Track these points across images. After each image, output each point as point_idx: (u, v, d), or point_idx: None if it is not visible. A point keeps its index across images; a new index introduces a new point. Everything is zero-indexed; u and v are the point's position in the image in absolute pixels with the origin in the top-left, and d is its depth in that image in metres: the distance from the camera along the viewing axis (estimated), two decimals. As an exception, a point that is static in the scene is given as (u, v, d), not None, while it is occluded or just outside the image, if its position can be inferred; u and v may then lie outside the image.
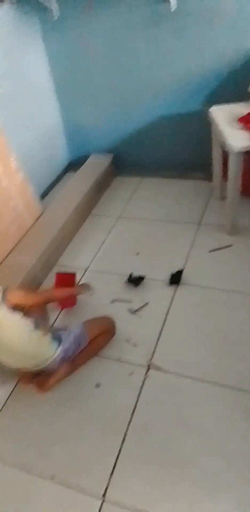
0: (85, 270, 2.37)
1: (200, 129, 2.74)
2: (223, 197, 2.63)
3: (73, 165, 3.28)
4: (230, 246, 2.35)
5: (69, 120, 3.16)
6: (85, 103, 3.04)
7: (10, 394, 1.79)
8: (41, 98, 2.96)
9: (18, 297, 1.71)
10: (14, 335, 1.64)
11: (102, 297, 2.16)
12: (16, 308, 1.67)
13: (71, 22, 2.70)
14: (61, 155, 3.29)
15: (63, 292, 2.04)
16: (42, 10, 2.68)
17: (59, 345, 1.73)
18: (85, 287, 2.09)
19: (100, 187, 3.01)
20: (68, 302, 2.12)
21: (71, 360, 1.79)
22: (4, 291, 1.65)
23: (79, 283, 2.21)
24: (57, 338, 1.75)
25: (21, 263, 2.26)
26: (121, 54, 2.72)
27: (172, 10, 2.42)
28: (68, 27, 2.74)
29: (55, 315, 2.12)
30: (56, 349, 1.72)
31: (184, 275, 2.20)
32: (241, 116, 2.21)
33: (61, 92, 3.05)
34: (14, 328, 1.64)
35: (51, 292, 2.04)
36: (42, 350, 1.70)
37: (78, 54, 2.82)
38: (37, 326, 1.70)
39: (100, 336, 1.88)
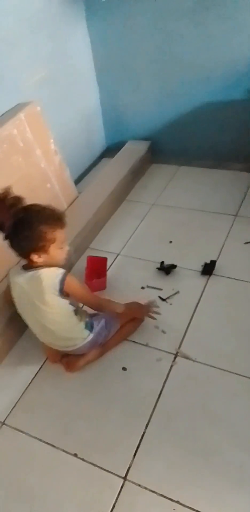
0: (117, 255, 2.37)
1: (242, 118, 2.68)
2: (262, 189, 2.57)
3: (110, 150, 3.28)
4: (266, 239, 2.29)
5: (108, 105, 3.16)
6: (125, 89, 3.03)
7: (38, 371, 1.82)
8: (82, 81, 2.97)
9: (74, 287, 1.67)
10: (56, 319, 1.66)
11: (133, 282, 2.16)
12: (66, 293, 1.66)
13: (117, 5, 2.69)
14: (99, 140, 3.30)
15: (124, 311, 1.81)
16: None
17: (91, 330, 1.74)
18: (149, 307, 1.89)
19: (136, 173, 3.00)
20: (99, 286, 2.13)
21: (101, 345, 1.80)
22: (64, 274, 1.62)
23: (144, 303, 1.92)
24: (90, 323, 1.76)
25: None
26: (166, 38, 2.68)
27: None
28: (113, 10, 2.73)
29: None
30: (88, 335, 1.73)
31: (217, 266, 2.16)
32: None
33: (102, 76, 3.05)
34: (58, 311, 1.65)
35: (111, 305, 1.82)
36: (75, 335, 1.72)
37: (122, 38, 2.81)
38: (76, 312, 1.71)
39: (130, 321, 1.88)
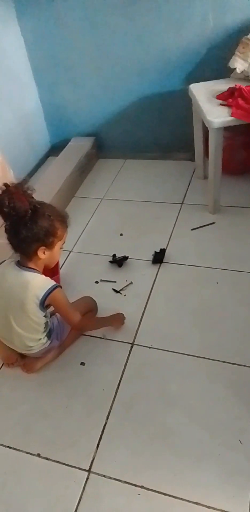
0: (70, 252, 2.37)
1: (181, 108, 2.73)
2: (205, 176, 2.65)
3: (55, 149, 3.25)
4: (212, 224, 2.37)
5: (49, 103, 3.12)
6: (64, 86, 3.00)
7: (-4, 376, 1.79)
8: (18, 81, 2.91)
9: (59, 303, 1.66)
10: (26, 326, 1.64)
11: (87, 278, 2.17)
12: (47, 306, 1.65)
13: (48, 2, 2.65)
14: (42, 139, 3.26)
15: (110, 324, 1.86)
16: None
17: (49, 336, 1.74)
18: (120, 317, 1.89)
19: (83, 170, 3.00)
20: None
21: (58, 345, 1.80)
22: (52, 288, 1.60)
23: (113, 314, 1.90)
24: (49, 329, 1.75)
25: (2, 247, 2.23)
26: (100, 33, 2.68)
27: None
28: (43, 7, 2.68)
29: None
30: (47, 341, 1.73)
31: (167, 254, 2.22)
32: (220, 92, 2.21)
33: (40, 74, 3.00)
34: (32, 320, 1.63)
35: (96, 324, 1.87)
36: (37, 343, 1.71)
37: (55, 35, 2.77)
38: (46, 325, 1.71)
39: (84, 316, 1.89)
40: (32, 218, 1.51)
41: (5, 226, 1.56)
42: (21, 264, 1.63)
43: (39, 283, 1.61)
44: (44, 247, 1.59)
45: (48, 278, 1.65)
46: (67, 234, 1.70)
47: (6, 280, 1.64)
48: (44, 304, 1.62)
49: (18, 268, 1.62)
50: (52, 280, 1.65)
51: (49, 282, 1.62)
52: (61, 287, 1.67)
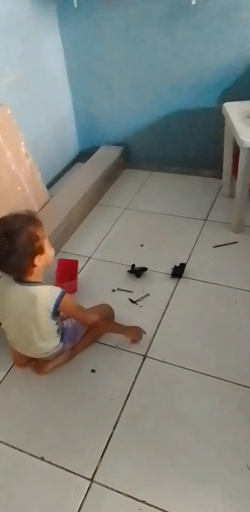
0: (89, 258, 2.38)
1: (212, 125, 2.74)
2: (231, 195, 2.63)
3: (83, 155, 3.29)
4: (235, 243, 2.34)
5: (81, 110, 3.17)
6: (98, 95, 3.05)
7: (6, 375, 1.79)
8: (54, 86, 2.97)
9: (70, 308, 1.67)
10: (40, 336, 1.64)
11: (104, 285, 2.17)
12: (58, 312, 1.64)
13: (90, 11, 2.71)
14: (72, 145, 3.30)
15: (124, 334, 1.83)
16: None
17: (62, 339, 1.73)
18: (139, 332, 1.84)
19: (109, 178, 3.02)
20: (69, 288, 2.12)
21: (70, 348, 1.80)
22: (60, 295, 1.59)
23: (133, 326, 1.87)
24: (62, 332, 1.74)
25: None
26: (139, 46, 2.72)
27: (193, 3, 2.42)
28: (86, 17, 2.75)
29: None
30: (59, 343, 1.73)
31: (187, 269, 2.19)
32: (253, 112, 2.20)
33: (75, 81, 3.06)
34: (45, 330, 1.64)
35: (111, 327, 1.86)
36: (50, 347, 1.71)
37: (94, 44, 2.83)
38: (58, 330, 1.71)
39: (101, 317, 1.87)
40: (10, 243, 1.45)
41: None
42: (22, 280, 1.58)
43: (46, 295, 1.59)
44: (38, 255, 1.54)
45: (52, 286, 1.63)
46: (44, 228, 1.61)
47: (9, 298, 1.61)
48: (56, 313, 1.61)
49: (20, 285, 1.58)
50: (57, 287, 1.63)
51: (55, 291, 1.61)
52: (65, 291, 1.63)
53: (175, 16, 2.53)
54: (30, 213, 1.58)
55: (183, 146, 2.98)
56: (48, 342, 1.68)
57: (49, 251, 1.61)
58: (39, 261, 1.55)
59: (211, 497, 1.33)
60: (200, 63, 2.63)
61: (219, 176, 2.78)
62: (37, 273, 1.59)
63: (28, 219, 1.53)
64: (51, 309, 1.59)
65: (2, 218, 1.50)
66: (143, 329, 1.84)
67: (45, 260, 1.59)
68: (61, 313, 1.68)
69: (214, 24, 2.47)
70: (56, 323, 1.67)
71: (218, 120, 2.49)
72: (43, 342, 1.67)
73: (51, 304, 1.58)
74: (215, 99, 2.68)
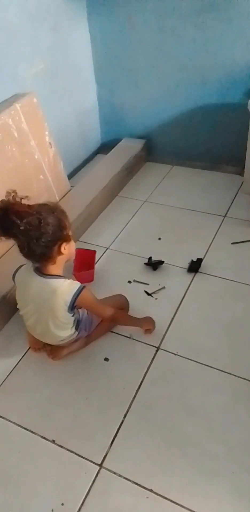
0: (106, 249, 2.39)
1: (237, 121, 2.71)
2: (252, 192, 2.60)
3: (105, 147, 3.30)
4: (254, 240, 2.32)
5: (105, 102, 3.18)
6: (123, 87, 3.05)
7: (22, 357, 1.83)
8: (80, 77, 2.99)
9: (88, 302, 1.69)
10: (57, 326, 1.67)
11: (120, 276, 2.18)
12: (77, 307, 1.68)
13: (119, 2, 2.71)
14: (94, 136, 3.32)
15: (139, 325, 1.85)
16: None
17: (78, 326, 1.76)
18: (152, 322, 1.87)
19: (130, 170, 3.02)
20: (86, 278, 2.15)
21: (85, 336, 1.82)
22: (78, 290, 1.61)
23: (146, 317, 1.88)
24: (77, 321, 1.76)
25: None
26: (168, 38, 2.71)
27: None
28: (114, 8, 2.75)
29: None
30: (75, 332, 1.75)
31: (204, 264, 2.19)
32: None
33: (101, 72, 3.07)
34: (62, 322, 1.67)
35: (127, 320, 1.87)
36: (66, 336, 1.74)
37: (122, 36, 2.83)
38: (74, 321, 1.73)
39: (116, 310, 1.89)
40: (44, 223, 1.47)
41: (19, 246, 1.51)
42: (42, 272, 1.62)
43: (66, 289, 1.61)
44: (64, 243, 1.57)
45: (72, 280, 1.65)
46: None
47: (30, 288, 1.64)
48: (73, 307, 1.64)
49: (40, 276, 1.61)
50: (77, 282, 1.66)
51: (75, 285, 1.63)
52: (85, 286, 1.66)
53: (206, 9, 2.50)
54: (57, 204, 1.63)
55: (206, 140, 2.96)
56: (64, 331, 1.71)
57: (72, 244, 1.65)
58: (64, 249, 1.58)
59: (219, 491, 1.33)
60: (229, 58, 2.60)
61: (241, 173, 2.75)
62: (58, 264, 1.62)
63: (56, 208, 1.58)
64: (68, 303, 1.61)
65: (30, 205, 1.52)
66: (154, 320, 1.86)
67: (69, 250, 1.62)
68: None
69: (245, 18, 2.44)
70: (73, 315, 1.70)
71: (244, 116, 2.46)
72: (60, 331, 1.70)
73: (69, 298, 1.61)
74: (242, 94, 2.65)
